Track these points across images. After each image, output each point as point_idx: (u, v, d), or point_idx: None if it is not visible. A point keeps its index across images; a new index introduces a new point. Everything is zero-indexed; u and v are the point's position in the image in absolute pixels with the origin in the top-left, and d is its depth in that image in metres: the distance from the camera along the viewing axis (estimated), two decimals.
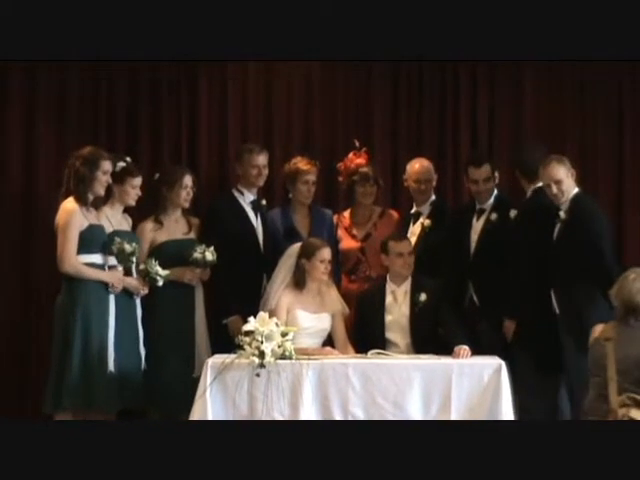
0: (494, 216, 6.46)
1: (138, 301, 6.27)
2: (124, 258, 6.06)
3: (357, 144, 6.89)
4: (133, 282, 6.17)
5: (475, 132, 7.44)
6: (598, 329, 5.23)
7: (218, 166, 7.43)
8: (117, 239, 6.03)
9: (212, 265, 6.33)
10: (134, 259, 6.09)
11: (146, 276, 6.15)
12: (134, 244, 6.07)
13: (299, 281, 6.20)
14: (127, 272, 6.16)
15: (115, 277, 6.04)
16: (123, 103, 7.39)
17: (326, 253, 6.19)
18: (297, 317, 6.14)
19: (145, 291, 6.19)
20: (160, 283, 6.16)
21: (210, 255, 6.29)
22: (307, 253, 6.19)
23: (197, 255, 6.27)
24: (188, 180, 6.49)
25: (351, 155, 6.90)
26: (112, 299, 6.06)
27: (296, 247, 6.29)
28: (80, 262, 5.98)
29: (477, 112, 7.46)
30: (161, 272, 6.15)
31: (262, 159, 6.70)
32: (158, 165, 7.11)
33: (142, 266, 6.17)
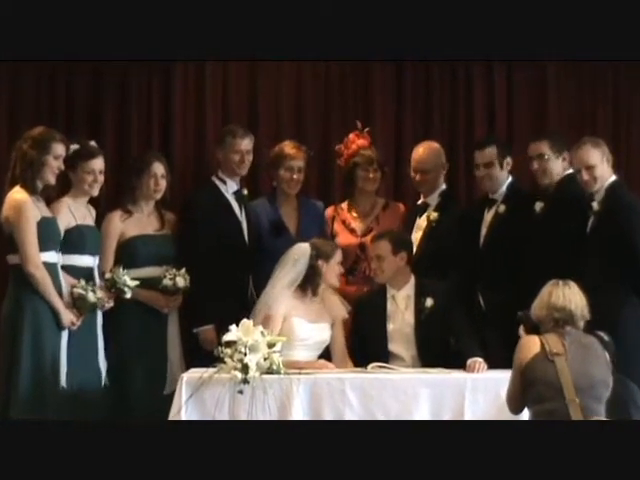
0: (502, 208, 6.19)
1: None
2: (83, 307, 5.78)
3: (359, 125, 6.59)
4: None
5: (492, 110, 7.15)
6: (530, 343, 5.00)
7: (194, 152, 7.09)
8: (81, 282, 5.79)
9: (185, 291, 6.11)
10: (96, 310, 5.88)
11: (112, 287, 5.90)
12: (99, 294, 5.81)
13: (312, 285, 5.90)
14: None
15: (71, 319, 5.74)
16: (85, 83, 7.05)
17: (341, 254, 6.00)
18: (293, 326, 5.83)
19: (110, 304, 5.92)
20: (128, 295, 5.92)
21: (182, 280, 6.06)
22: (326, 254, 5.91)
23: (167, 282, 6.05)
24: (157, 168, 6.19)
25: (352, 135, 6.58)
26: None
27: (305, 246, 5.97)
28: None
29: (494, 88, 7.17)
30: (129, 282, 5.91)
31: (246, 143, 6.40)
32: (124, 152, 6.87)
33: (108, 275, 5.93)
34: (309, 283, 5.90)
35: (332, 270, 5.91)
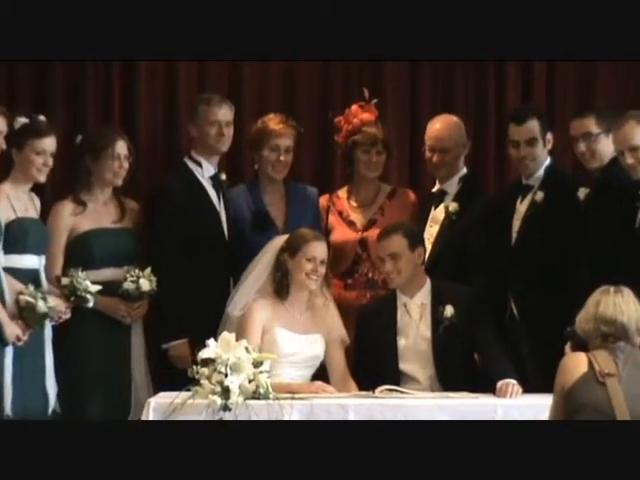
0: (540, 195, 5.74)
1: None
2: (32, 318, 5.37)
3: (367, 94, 6.09)
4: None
5: (529, 81, 6.70)
6: (576, 362, 4.62)
7: (163, 129, 6.69)
8: (30, 289, 5.38)
9: (151, 296, 5.72)
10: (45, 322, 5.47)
11: (72, 295, 5.51)
12: (51, 302, 5.40)
13: (279, 286, 5.51)
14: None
15: (16, 334, 5.36)
16: None
17: (318, 249, 5.47)
18: (276, 339, 5.43)
19: (67, 315, 5.50)
20: (91, 304, 5.54)
21: (147, 283, 5.66)
22: (291, 247, 5.50)
23: (128, 285, 5.66)
24: (121, 147, 5.76)
25: (355, 107, 6.07)
26: None
27: (282, 237, 5.64)
28: None
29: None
30: (92, 288, 5.51)
31: (224, 113, 5.92)
32: (77, 129, 6.30)
33: (65, 280, 5.53)
34: (276, 282, 5.56)
35: (298, 267, 5.48)
